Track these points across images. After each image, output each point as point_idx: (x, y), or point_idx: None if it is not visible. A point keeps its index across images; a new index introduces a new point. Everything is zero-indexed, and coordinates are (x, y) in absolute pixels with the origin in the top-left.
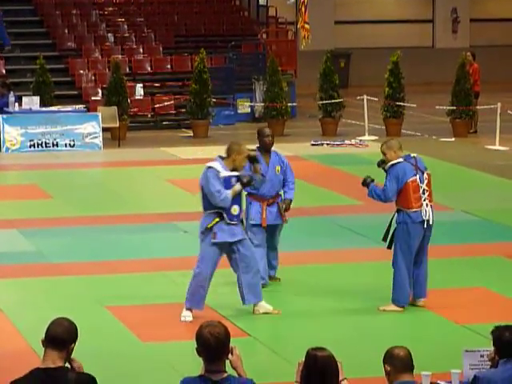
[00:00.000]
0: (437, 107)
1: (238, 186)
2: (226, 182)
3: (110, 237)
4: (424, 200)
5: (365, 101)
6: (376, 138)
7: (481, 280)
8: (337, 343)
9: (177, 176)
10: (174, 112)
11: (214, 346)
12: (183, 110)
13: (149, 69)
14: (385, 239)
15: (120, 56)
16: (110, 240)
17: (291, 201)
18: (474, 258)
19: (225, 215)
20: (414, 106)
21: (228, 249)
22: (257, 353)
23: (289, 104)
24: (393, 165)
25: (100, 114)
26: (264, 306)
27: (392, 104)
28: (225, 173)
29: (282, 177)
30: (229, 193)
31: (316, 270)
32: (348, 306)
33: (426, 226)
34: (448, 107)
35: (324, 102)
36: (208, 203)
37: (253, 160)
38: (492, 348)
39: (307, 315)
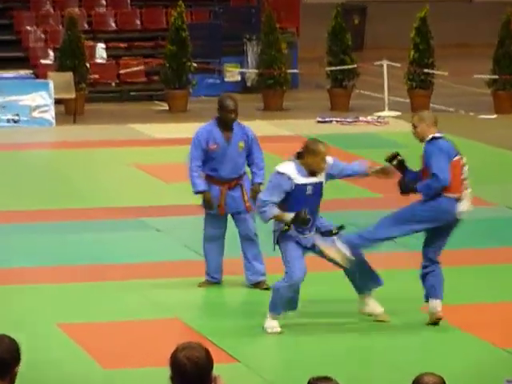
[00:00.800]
0: (475, 76)
1: (287, 217)
2: (301, 190)
3: (63, 237)
4: (464, 188)
5: (384, 67)
6: (398, 113)
7: None
8: (344, 369)
9: (147, 160)
10: (144, 80)
11: (191, 373)
12: (156, 78)
13: (113, 25)
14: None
15: (77, 9)
16: (62, 241)
17: (260, 185)
18: None
19: (292, 226)
20: (446, 74)
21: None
22: (247, 383)
23: (289, 71)
24: (433, 139)
25: (51, 82)
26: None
27: (418, 71)
28: (300, 179)
29: (245, 154)
30: (273, 213)
31: (319, 278)
32: (358, 322)
33: (456, 219)
34: (489, 76)
35: (333, 68)
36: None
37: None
38: None
39: (307, 335)
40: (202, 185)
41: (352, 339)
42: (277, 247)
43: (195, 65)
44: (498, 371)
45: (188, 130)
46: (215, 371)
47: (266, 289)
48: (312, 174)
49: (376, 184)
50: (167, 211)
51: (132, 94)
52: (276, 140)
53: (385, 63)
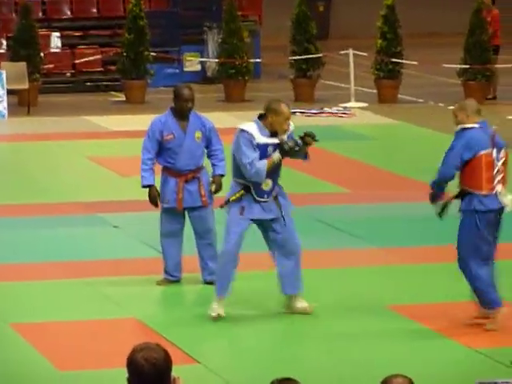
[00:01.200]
0: (444, 65)
1: (276, 156)
2: (262, 150)
3: (16, 233)
4: (497, 183)
5: (350, 56)
6: (365, 104)
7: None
8: (312, 372)
9: (104, 153)
10: (100, 70)
11: (149, 375)
12: (113, 68)
13: (68, 13)
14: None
15: None
16: (14, 237)
17: (222, 177)
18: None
19: (253, 190)
20: (415, 63)
21: (263, 227)
22: None
23: (251, 60)
24: (463, 129)
25: (4, 72)
26: (301, 301)
27: (386, 61)
28: (262, 138)
29: (203, 145)
30: (264, 164)
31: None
32: (329, 324)
33: (500, 215)
34: (459, 66)
35: (297, 57)
36: (236, 169)
37: (307, 140)
38: None
39: (272, 336)
40: (148, 179)
41: (317, 339)
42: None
43: (153, 54)
44: (468, 372)
45: (146, 121)
46: (174, 372)
47: None
48: (273, 135)
49: (344, 179)
50: (125, 206)
51: (88, 84)
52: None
53: (351, 52)
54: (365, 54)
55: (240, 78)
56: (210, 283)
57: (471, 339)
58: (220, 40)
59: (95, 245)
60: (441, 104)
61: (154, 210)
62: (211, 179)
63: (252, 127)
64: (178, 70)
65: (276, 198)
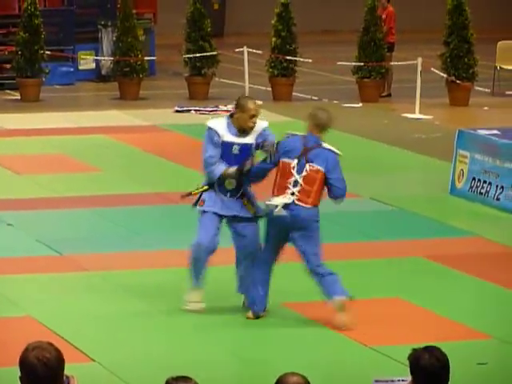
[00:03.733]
0: (339, 63)
1: (231, 171)
2: (226, 147)
3: None
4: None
5: (245, 54)
6: (260, 102)
7: (394, 288)
8: (204, 367)
9: None
10: None
11: (41, 374)
12: (8, 66)
13: None
14: None
15: None
16: None
17: None
18: (385, 259)
19: (216, 185)
20: (310, 61)
21: (228, 224)
22: (102, 382)
23: (146, 58)
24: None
25: None
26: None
27: (281, 58)
28: (228, 136)
29: None
30: (221, 169)
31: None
32: (219, 315)
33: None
34: (353, 63)
35: (192, 55)
36: None
37: (268, 151)
38: (409, 377)
39: (169, 330)
40: None
41: (220, 337)
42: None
43: (48, 52)
44: (365, 370)
45: (40, 120)
46: (69, 371)
47: None
48: (242, 133)
49: None
50: (19, 204)
51: None
52: (132, 130)
53: (245, 50)
54: (259, 51)
55: (135, 75)
56: None
57: (365, 337)
58: (115, 38)
59: None
60: (335, 101)
61: (48, 208)
62: None
63: (220, 124)
64: (72, 69)
65: (243, 198)
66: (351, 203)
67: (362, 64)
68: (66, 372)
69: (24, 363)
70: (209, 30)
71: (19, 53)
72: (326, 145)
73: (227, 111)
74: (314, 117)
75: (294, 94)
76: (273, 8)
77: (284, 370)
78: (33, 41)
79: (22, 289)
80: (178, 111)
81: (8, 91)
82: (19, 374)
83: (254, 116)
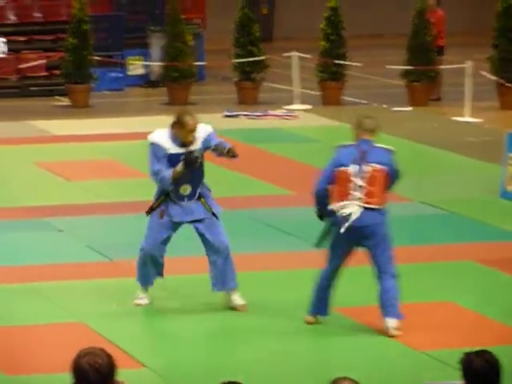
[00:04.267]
0: (388, 67)
1: (179, 167)
2: (174, 160)
3: None
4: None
5: (294, 58)
6: (309, 107)
7: (446, 292)
8: (260, 374)
9: (48, 158)
10: (45, 74)
11: (93, 379)
12: (57, 72)
13: (12, 18)
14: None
15: None
16: None
17: None
18: (438, 263)
19: (172, 194)
20: (359, 65)
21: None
22: None
23: (195, 63)
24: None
25: None
26: (237, 298)
27: (330, 63)
28: (174, 148)
29: None
30: (169, 173)
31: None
32: (275, 324)
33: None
34: (403, 67)
35: (241, 60)
36: None
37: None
38: (461, 381)
39: (221, 338)
40: None
41: (279, 345)
42: None
43: (97, 58)
44: (416, 374)
45: (90, 126)
46: (120, 377)
47: None
48: (184, 145)
49: (287, 181)
50: (70, 210)
51: (32, 89)
52: None
53: (294, 54)
54: (308, 56)
55: (184, 81)
56: None
57: (417, 341)
58: (164, 43)
59: (41, 249)
60: (384, 105)
61: (98, 214)
62: None
63: (163, 138)
64: (121, 74)
65: (201, 199)
66: (402, 207)
67: (412, 68)
68: (118, 378)
69: (76, 369)
70: (257, 34)
71: (68, 59)
72: (379, 145)
73: (276, 115)
74: (361, 123)
75: (343, 98)
76: (321, 12)
77: (335, 374)
78: (82, 47)
79: (73, 295)
80: (227, 116)
81: (57, 97)
82: (71, 379)
83: (191, 131)
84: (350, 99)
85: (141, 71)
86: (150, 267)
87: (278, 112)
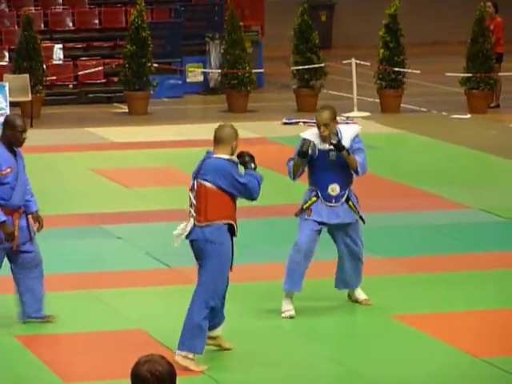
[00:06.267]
0: (447, 74)
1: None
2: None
3: None
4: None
5: (353, 66)
6: (368, 114)
7: (506, 300)
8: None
9: (106, 164)
10: (103, 81)
11: None
12: (115, 79)
13: (70, 24)
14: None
15: (33, 8)
16: None
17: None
18: (496, 270)
19: (320, 194)
20: (418, 72)
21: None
22: None
23: (254, 70)
24: None
25: (7, 85)
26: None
27: (389, 70)
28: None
29: None
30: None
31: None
32: (335, 332)
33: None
34: (462, 74)
35: (300, 67)
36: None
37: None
38: None
39: (281, 342)
40: (1, 215)
41: (321, 345)
42: None
43: (156, 65)
44: (474, 382)
45: (148, 133)
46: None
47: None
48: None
49: None
50: (128, 218)
51: (90, 96)
52: (240, 143)
53: (353, 62)
54: (367, 63)
55: (243, 88)
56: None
57: (476, 348)
58: (222, 50)
59: (99, 256)
60: (444, 113)
61: (156, 221)
62: (31, 216)
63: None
64: (180, 81)
65: (348, 201)
66: (461, 215)
67: (471, 75)
68: None
69: (136, 376)
70: (316, 41)
71: (127, 66)
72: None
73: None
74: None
75: (402, 105)
76: (380, 19)
77: (392, 382)
78: (140, 54)
79: (132, 302)
80: (286, 123)
81: (116, 104)
82: None
83: (325, 126)
84: (409, 106)
85: (200, 78)
86: (303, 266)
87: (338, 119)
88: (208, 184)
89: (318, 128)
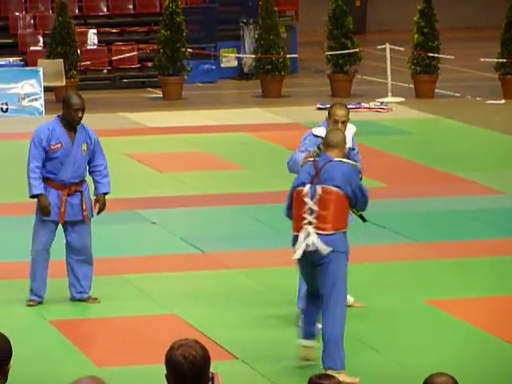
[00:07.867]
0: (482, 60)
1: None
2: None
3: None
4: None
5: (387, 51)
6: (402, 99)
7: None
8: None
9: (141, 149)
10: (137, 66)
11: (188, 372)
12: (150, 64)
13: (104, 10)
14: None
15: None
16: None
17: (106, 195)
18: None
19: None
20: (452, 57)
21: None
22: (247, 381)
23: (288, 55)
24: None
25: (41, 70)
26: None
27: (423, 55)
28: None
29: (88, 158)
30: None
31: None
32: (367, 319)
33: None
34: (496, 59)
35: (334, 52)
36: None
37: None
38: None
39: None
40: (38, 187)
41: (357, 332)
42: None
43: (190, 50)
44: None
45: (182, 118)
46: (213, 368)
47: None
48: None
49: (380, 173)
50: (162, 203)
51: (124, 81)
52: (274, 128)
53: (388, 47)
54: (402, 48)
55: (277, 73)
56: (80, 300)
57: (508, 333)
58: (257, 36)
59: (134, 241)
60: (478, 98)
61: (191, 206)
62: (94, 198)
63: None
64: (214, 66)
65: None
66: (494, 200)
67: (505, 60)
68: (211, 369)
69: (170, 361)
70: (351, 27)
71: (161, 51)
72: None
73: (369, 108)
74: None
75: (436, 90)
76: (414, 4)
77: (429, 370)
78: (175, 39)
79: (167, 287)
80: (320, 109)
81: (150, 89)
82: (165, 371)
83: (343, 123)
84: (444, 92)
85: (234, 63)
86: None
87: (371, 104)
88: (338, 190)
89: (335, 123)
